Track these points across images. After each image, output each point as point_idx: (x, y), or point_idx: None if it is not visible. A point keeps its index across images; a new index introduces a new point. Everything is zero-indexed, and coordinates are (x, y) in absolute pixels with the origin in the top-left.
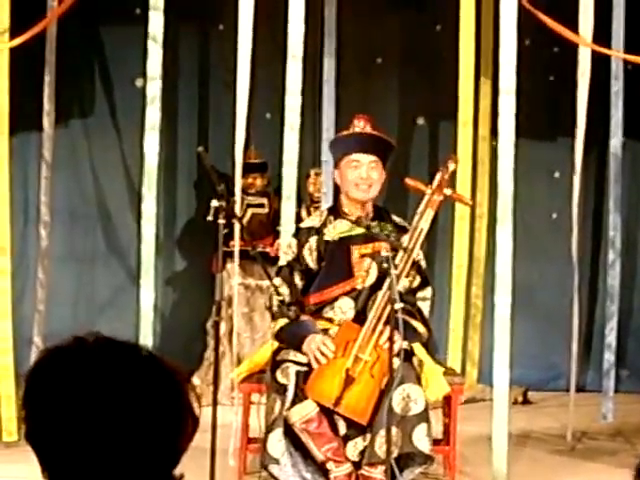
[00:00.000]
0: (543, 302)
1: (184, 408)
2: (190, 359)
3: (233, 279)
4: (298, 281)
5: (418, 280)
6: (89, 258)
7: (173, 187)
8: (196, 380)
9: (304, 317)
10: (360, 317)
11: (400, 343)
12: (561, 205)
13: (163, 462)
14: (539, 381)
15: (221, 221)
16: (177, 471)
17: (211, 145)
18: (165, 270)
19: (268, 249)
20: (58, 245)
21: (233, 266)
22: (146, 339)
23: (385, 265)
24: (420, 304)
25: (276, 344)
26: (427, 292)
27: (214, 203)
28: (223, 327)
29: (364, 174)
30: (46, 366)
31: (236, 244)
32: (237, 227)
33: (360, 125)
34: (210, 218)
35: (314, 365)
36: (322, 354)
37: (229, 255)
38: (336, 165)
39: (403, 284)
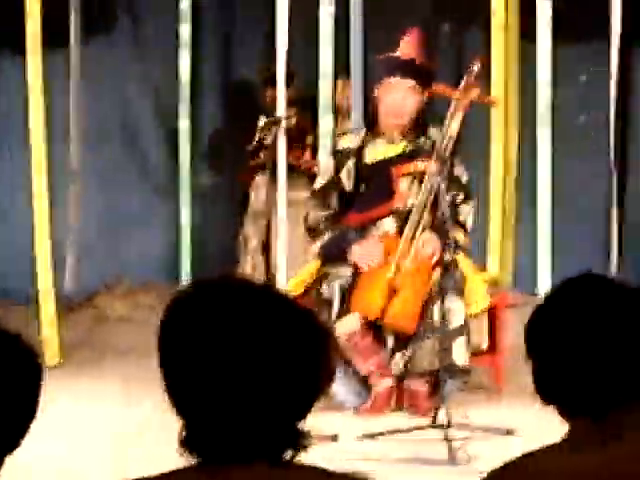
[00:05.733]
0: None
1: (324, 359)
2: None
3: (261, 192)
4: (335, 203)
5: (461, 196)
6: (116, 174)
7: (201, 103)
8: None
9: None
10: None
11: (442, 254)
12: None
13: (291, 412)
14: None
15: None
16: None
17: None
18: (196, 185)
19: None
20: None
21: (262, 178)
22: (185, 254)
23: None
24: (464, 217)
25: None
26: (470, 205)
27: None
28: (254, 241)
29: (399, 100)
30: (187, 298)
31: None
32: (281, 139)
33: (407, 44)
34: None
35: (365, 269)
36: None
37: (261, 168)
38: (379, 84)
39: (447, 198)
